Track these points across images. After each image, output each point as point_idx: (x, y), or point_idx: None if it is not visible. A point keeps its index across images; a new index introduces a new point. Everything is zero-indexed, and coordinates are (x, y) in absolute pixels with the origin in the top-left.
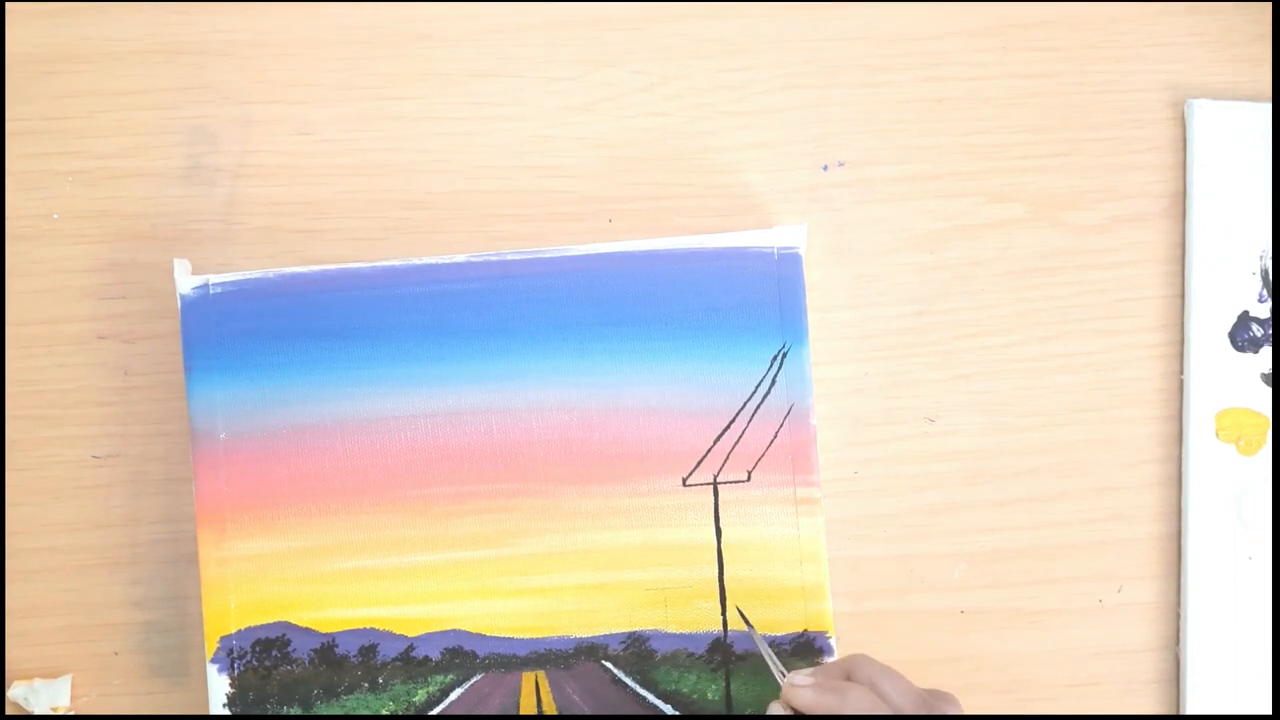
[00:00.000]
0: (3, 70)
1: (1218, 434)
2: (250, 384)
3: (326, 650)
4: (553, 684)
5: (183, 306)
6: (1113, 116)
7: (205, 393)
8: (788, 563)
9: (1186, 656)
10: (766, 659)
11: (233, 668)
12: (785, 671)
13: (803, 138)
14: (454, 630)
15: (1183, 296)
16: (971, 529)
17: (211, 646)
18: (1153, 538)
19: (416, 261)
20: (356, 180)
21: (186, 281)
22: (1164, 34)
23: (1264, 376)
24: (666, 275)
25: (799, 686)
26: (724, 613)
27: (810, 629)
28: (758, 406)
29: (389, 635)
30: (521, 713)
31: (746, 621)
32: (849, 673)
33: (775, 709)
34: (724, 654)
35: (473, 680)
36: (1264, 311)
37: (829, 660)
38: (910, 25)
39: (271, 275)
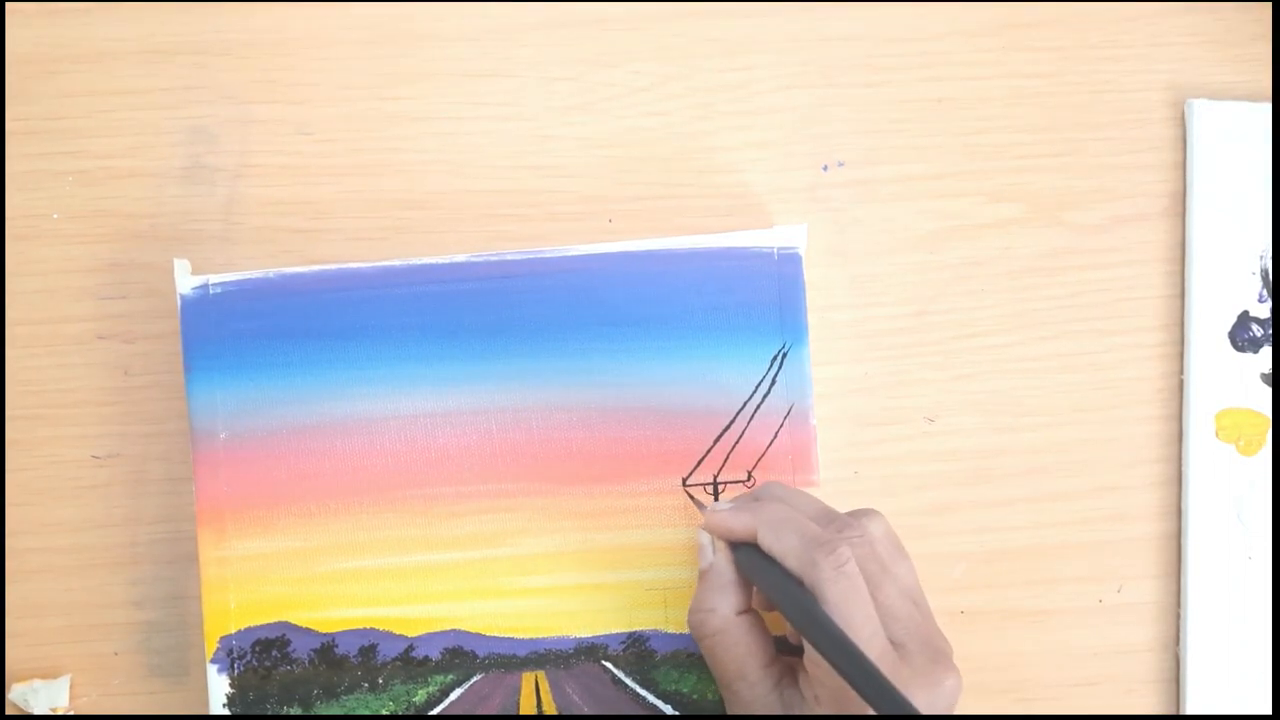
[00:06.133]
0: (3, 70)
1: (1218, 434)
2: (250, 384)
3: (326, 650)
4: (553, 684)
5: (183, 306)
6: (1113, 116)
7: (205, 393)
8: None
9: (1186, 656)
10: (695, 503)
11: (233, 668)
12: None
13: (803, 138)
14: (454, 630)
15: (1183, 296)
16: (971, 529)
17: (211, 646)
18: (1153, 538)
19: (416, 261)
20: (356, 180)
21: (186, 281)
22: (1164, 34)
23: (1264, 376)
24: (666, 275)
25: (719, 511)
26: None
27: None
28: (758, 406)
29: (389, 635)
30: (521, 713)
31: (696, 501)
32: (755, 496)
33: (703, 539)
34: None
35: (473, 680)
36: (1264, 311)
37: None
38: (910, 25)
39: (271, 275)
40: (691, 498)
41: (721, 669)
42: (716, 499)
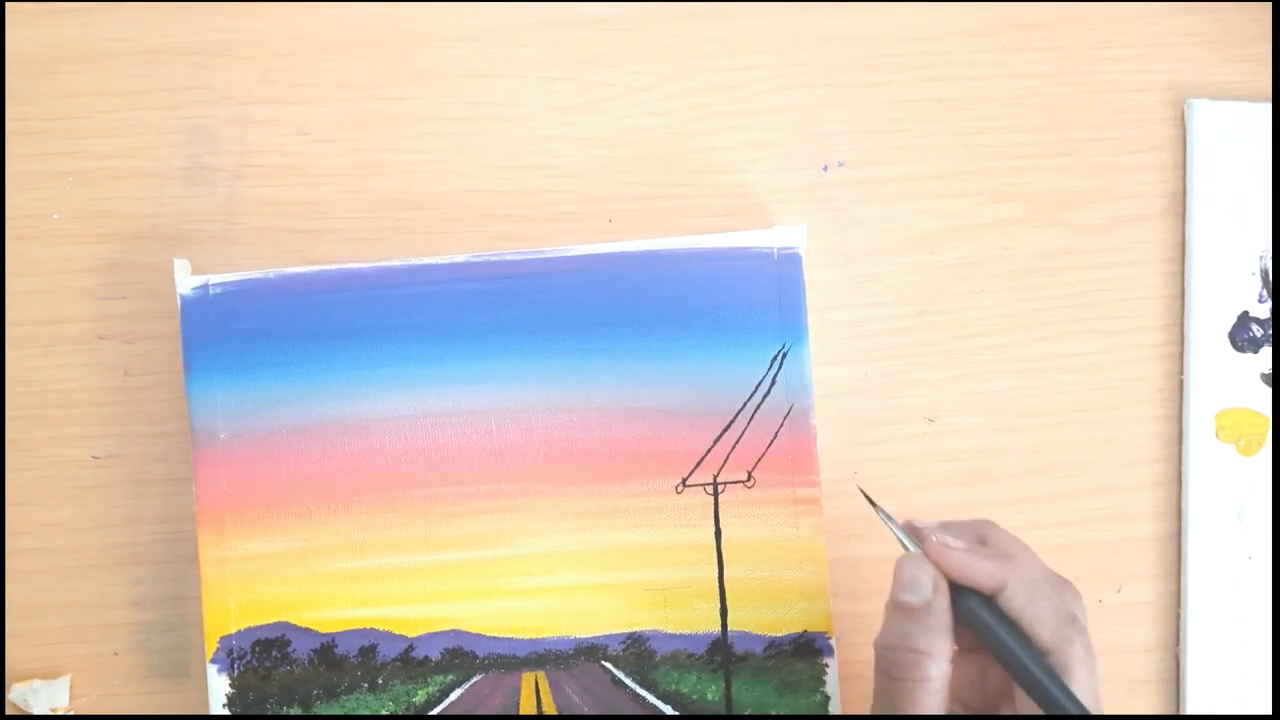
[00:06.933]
0: (3, 70)
1: (1218, 434)
2: (250, 384)
3: (326, 650)
4: (552, 684)
5: (183, 306)
6: (1113, 116)
7: (205, 393)
8: (788, 563)
9: (1186, 656)
10: (893, 530)
11: (233, 668)
12: (908, 537)
13: (803, 138)
14: (454, 630)
15: (1183, 296)
16: None
17: (211, 647)
18: (1153, 538)
19: (416, 261)
20: (356, 180)
21: (186, 281)
22: (1164, 34)
23: (1264, 376)
24: (666, 275)
25: (957, 549)
26: (724, 613)
27: (810, 629)
28: (758, 407)
29: (389, 635)
30: (521, 713)
31: (871, 501)
32: (982, 537)
33: (921, 572)
34: (724, 654)
35: (472, 680)
36: (1264, 311)
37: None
38: (910, 25)
39: (272, 275)
40: (886, 517)
41: (900, 708)
42: (717, 499)
